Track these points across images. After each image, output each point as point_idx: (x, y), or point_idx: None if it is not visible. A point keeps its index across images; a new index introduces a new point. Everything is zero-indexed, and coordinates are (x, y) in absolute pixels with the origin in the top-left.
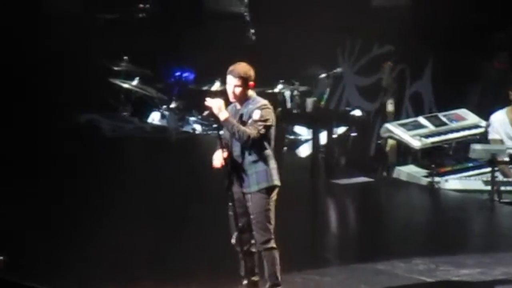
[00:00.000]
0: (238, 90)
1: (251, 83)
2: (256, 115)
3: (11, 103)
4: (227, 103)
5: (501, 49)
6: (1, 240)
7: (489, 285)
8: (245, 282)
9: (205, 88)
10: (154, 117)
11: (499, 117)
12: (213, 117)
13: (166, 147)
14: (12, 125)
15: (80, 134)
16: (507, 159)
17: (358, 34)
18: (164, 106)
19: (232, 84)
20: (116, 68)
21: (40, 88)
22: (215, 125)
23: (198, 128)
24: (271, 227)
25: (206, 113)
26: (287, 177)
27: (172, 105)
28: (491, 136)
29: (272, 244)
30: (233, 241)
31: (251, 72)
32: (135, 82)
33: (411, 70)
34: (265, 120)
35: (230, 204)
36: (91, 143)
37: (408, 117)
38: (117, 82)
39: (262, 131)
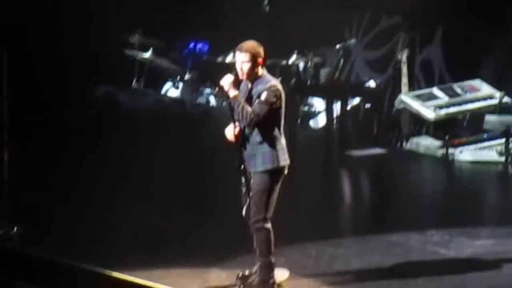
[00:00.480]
0: (246, 66)
1: (260, 60)
2: (263, 96)
3: (27, 77)
4: (239, 80)
5: None
6: (16, 213)
7: (503, 256)
8: (240, 274)
9: (219, 59)
10: (168, 89)
11: None
12: (224, 93)
13: (182, 119)
14: (30, 99)
15: (97, 107)
16: None
17: (366, 5)
18: (178, 78)
19: (240, 60)
20: (130, 40)
21: (54, 62)
22: (228, 101)
23: (212, 100)
24: (267, 208)
25: (217, 89)
26: (301, 149)
27: (186, 77)
28: None
29: (264, 224)
30: (243, 212)
31: (260, 49)
32: (148, 54)
33: (421, 38)
34: (271, 103)
35: (242, 179)
36: (108, 115)
37: (418, 85)
38: (131, 53)
39: (265, 113)
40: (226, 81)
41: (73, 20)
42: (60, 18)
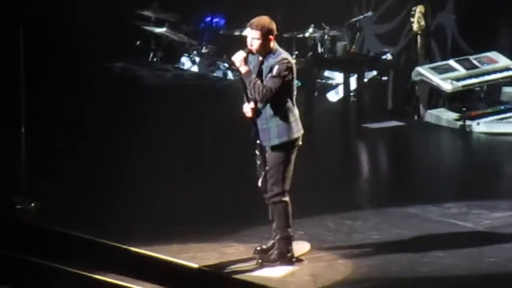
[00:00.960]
0: (257, 43)
1: (271, 36)
2: (275, 70)
3: (44, 55)
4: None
5: None
6: (33, 188)
7: None
8: (258, 248)
9: (236, 33)
10: (185, 63)
11: None
12: (236, 69)
13: (200, 93)
14: (47, 76)
15: (114, 83)
16: None
17: None
18: (195, 52)
19: (251, 36)
20: (146, 14)
21: (69, 37)
22: (239, 77)
23: (229, 73)
24: (284, 181)
25: (229, 65)
26: (318, 121)
27: (203, 51)
28: None
29: (282, 197)
30: (259, 184)
31: (271, 25)
32: (165, 28)
33: (432, 8)
34: (283, 76)
35: (256, 152)
36: (126, 91)
37: (432, 54)
38: (147, 27)
39: (277, 87)
40: (238, 57)
41: None
42: None
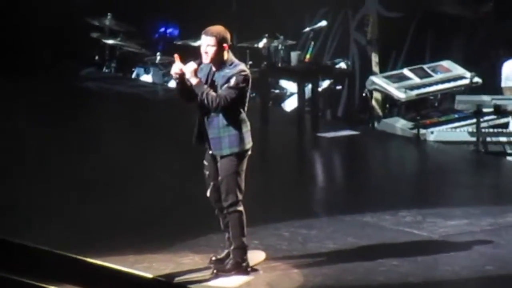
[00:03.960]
0: (212, 50)
1: (226, 44)
2: (233, 81)
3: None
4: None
5: None
6: None
7: (476, 236)
8: (213, 258)
9: (190, 43)
10: (139, 73)
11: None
12: (180, 79)
13: (153, 103)
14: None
15: (66, 92)
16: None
17: None
18: (149, 62)
19: (206, 44)
20: (100, 25)
21: (22, 44)
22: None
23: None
24: (238, 190)
25: (176, 76)
26: (273, 131)
27: (157, 61)
28: (504, 84)
29: (237, 207)
30: (208, 194)
31: (226, 34)
32: (118, 38)
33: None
34: (241, 88)
35: (204, 162)
36: (79, 101)
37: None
38: (101, 38)
39: (233, 97)
40: (189, 68)
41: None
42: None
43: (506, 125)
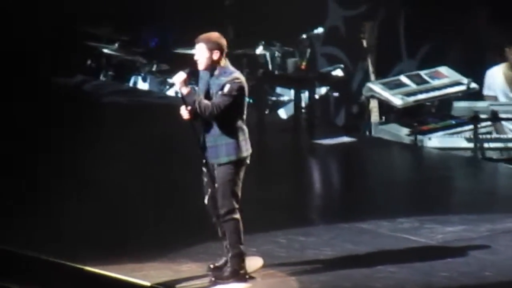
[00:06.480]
0: (202, 56)
1: (218, 51)
2: (226, 88)
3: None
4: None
5: (481, 5)
6: None
7: (474, 242)
8: (211, 265)
9: (187, 51)
10: (136, 82)
11: (494, 73)
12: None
13: (150, 111)
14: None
15: (66, 100)
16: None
17: None
18: (146, 70)
19: (199, 51)
20: (96, 32)
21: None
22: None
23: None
24: (234, 198)
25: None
26: (270, 138)
27: (154, 69)
28: (486, 92)
29: (233, 215)
30: (205, 201)
31: (220, 40)
32: (115, 46)
33: (383, 24)
34: (234, 96)
35: (203, 169)
36: (76, 109)
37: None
38: (98, 46)
39: (226, 105)
40: (178, 78)
41: (39, 12)
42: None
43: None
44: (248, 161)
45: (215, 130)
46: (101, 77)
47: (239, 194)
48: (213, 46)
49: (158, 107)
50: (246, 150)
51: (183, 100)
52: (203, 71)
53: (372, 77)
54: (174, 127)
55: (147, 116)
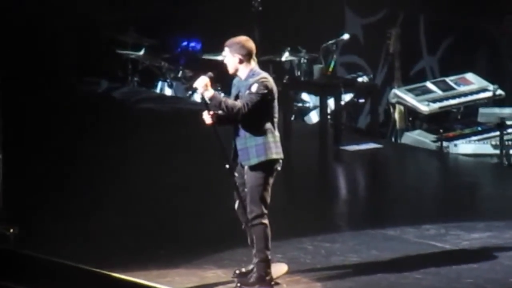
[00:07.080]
0: (227, 60)
1: (242, 54)
2: (253, 87)
3: (24, 77)
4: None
5: (508, 12)
6: (12, 213)
7: (500, 249)
8: (237, 271)
9: (212, 57)
10: (162, 87)
11: None
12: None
13: (176, 117)
14: (21, 95)
15: (93, 106)
16: None
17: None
18: (172, 76)
19: (227, 56)
20: (123, 39)
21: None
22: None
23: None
24: (263, 203)
25: (196, 92)
26: (296, 144)
27: (180, 75)
28: None
29: (262, 220)
30: (235, 207)
31: (248, 44)
32: (141, 53)
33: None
34: (261, 94)
35: (235, 174)
36: (103, 114)
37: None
38: (124, 52)
39: (254, 104)
40: (200, 83)
41: (64, 18)
42: (52, 16)
43: None
44: (279, 168)
45: (245, 132)
46: (128, 84)
47: (268, 200)
48: (241, 50)
49: (190, 113)
50: (277, 153)
51: (205, 104)
52: (236, 79)
53: (398, 83)
54: (203, 132)
55: (179, 121)
